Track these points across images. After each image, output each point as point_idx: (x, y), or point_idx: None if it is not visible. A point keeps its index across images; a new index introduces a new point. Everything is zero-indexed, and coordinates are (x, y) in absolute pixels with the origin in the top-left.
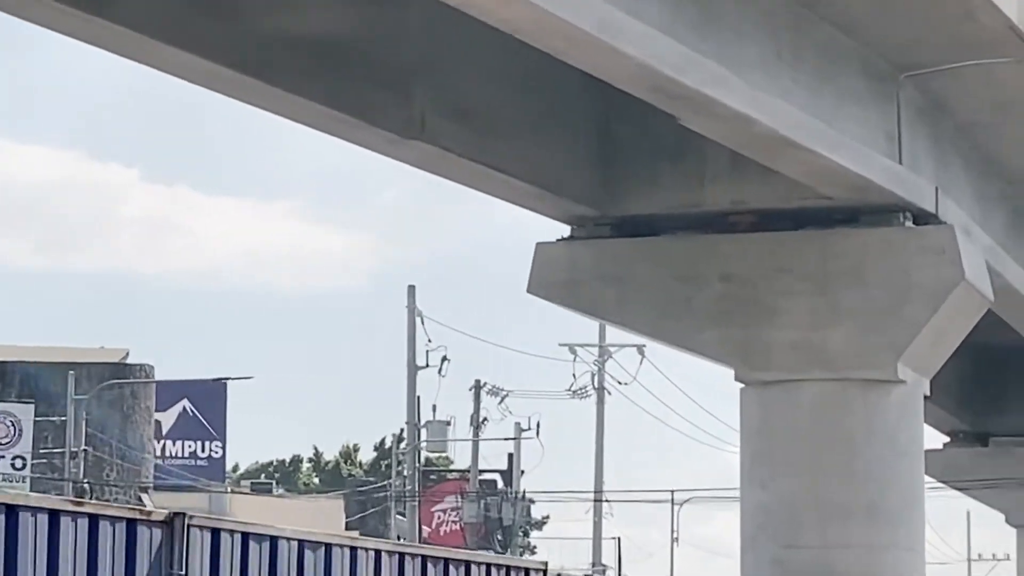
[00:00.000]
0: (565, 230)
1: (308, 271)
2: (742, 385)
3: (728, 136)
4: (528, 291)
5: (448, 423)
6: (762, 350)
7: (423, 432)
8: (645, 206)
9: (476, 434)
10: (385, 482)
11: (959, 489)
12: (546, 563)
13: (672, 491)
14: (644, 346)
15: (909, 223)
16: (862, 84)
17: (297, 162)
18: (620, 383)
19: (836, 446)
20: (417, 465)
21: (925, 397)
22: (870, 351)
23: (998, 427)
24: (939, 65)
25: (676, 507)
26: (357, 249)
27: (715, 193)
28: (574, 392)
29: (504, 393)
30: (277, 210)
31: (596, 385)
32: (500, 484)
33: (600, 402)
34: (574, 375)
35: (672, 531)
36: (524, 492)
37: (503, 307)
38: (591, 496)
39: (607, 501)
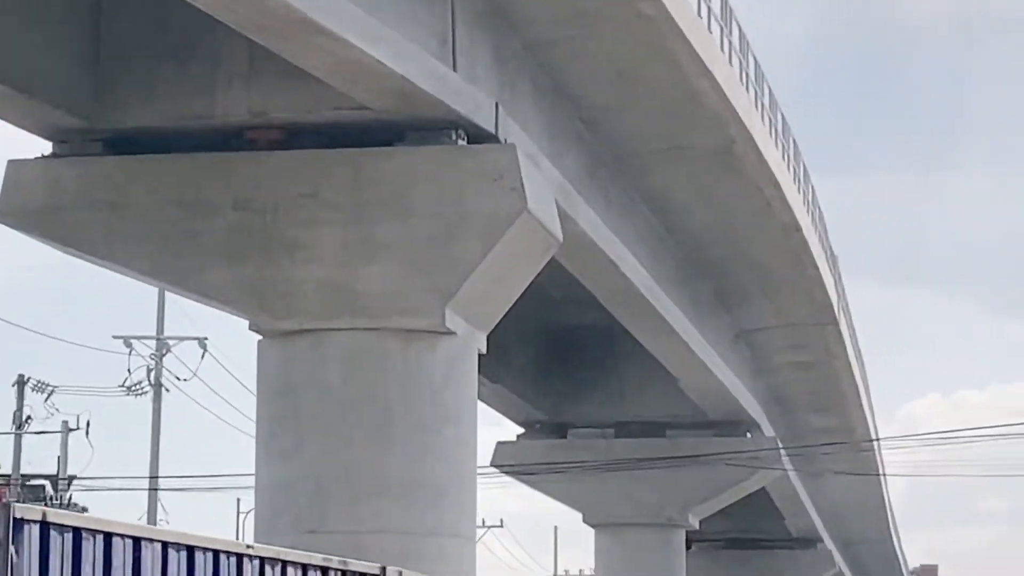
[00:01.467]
0: (46, 146)
1: None
2: (259, 337)
3: (237, 13)
4: None
5: None
6: (283, 293)
7: None
8: (144, 118)
9: (19, 435)
10: None
11: (533, 486)
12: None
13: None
14: (206, 339)
15: (463, 142)
16: None
17: None
18: (179, 379)
19: (371, 409)
20: None
21: (481, 356)
22: (412, 295)
23: (577, 418)
24: None
25: (242, 515)
26: None
27: (230, 103)
28: (129, 388)
29: (50, 389)
30: None
31: (153, 381)
32: (49, 491)
33: (157, 399)
34: (129, 370)
35: (237, 531)
36: (71, 499)
37: (47, 291)
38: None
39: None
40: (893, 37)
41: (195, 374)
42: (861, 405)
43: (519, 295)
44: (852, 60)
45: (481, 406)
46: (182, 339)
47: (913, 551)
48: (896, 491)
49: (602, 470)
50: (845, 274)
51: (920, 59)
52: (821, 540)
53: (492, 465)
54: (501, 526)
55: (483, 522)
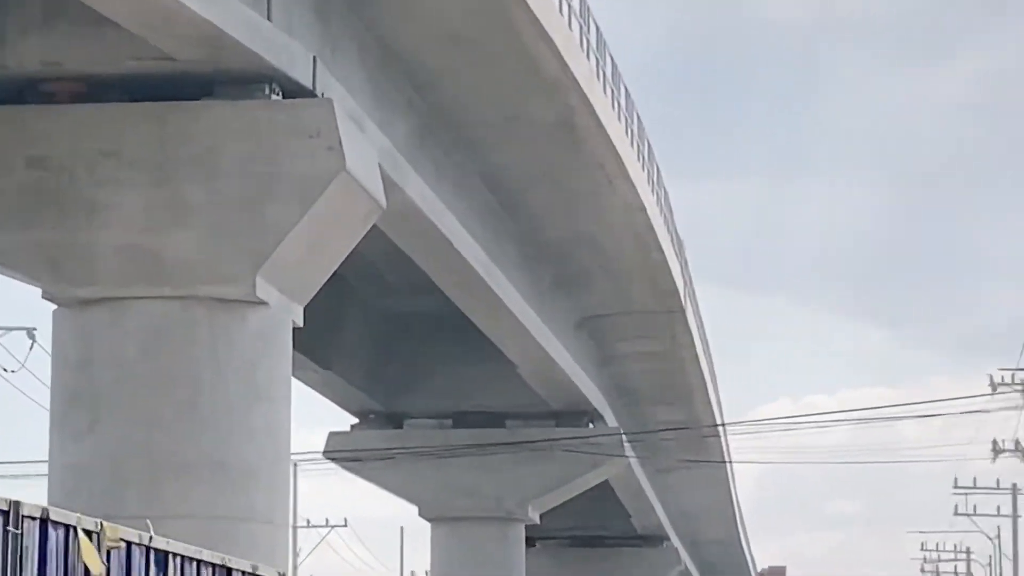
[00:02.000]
0: None
1: None
2: (54, 306)
3: None
4: None
5: None
6: (80, 258)
7: None
8: None
9: None
10: None
11: (369, 478)
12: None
13: None
14: (35, 329)
15: (277, 97)
16: None
17: None
18: (7, 370)
19: (175, 385)
20: None
21: (312, 342)
22: (220, 260)
23: (414, 408)
24: None
25: None
26: None
27: (22, 52)
28: None
29: None
30: None
31: None
32: None
33: None
34: None
35: None
36: None
37: None
38: None
39: None
40: (744, 40)
41: (23, 365)
42: (708, 399)
43: (338, 264)
44: (704, 64)
45: (312, 395)
46: (10, 330)
47: (762, 554)
48: (745, 495)
49: (437, 457)
50: (697, 279)
51: (773, 61)
52: (667, 538)
53: (323, 454)
54: (345, 525)
55: (327, 522)
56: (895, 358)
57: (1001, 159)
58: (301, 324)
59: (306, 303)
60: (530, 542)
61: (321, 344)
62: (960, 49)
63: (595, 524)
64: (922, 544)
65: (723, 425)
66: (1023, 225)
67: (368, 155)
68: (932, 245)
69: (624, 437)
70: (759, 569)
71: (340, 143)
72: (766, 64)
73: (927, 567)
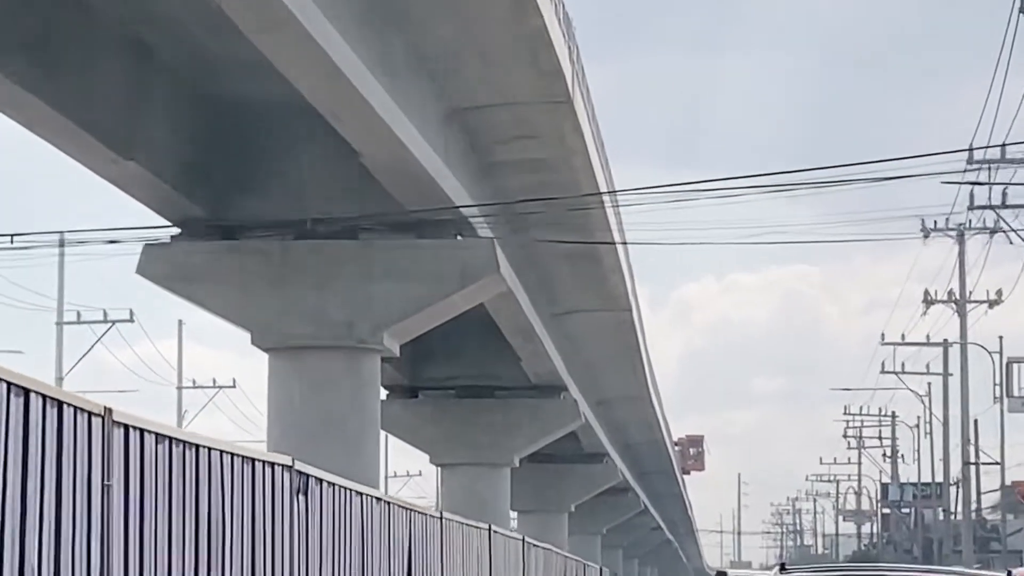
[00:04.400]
0: None
1: None
2: None
3: None
4: None
5: None
6: None
7: None
8: None
9: None
10: None
11: (193, 300)
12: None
13: None
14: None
15: None
16: None
17: None
18: None
19: None
20: None
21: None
22: None
23: (248, 216)
24: None
25: None
26: None
27: None
28: None
29: None
30: None
31: None
32: None
33: None
34: None
35: None
36: None
37: None
38: None
39: None
40: None
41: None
42: (608, 223)
43: None
44: None
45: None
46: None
47: (682, 431)
48: (669, 377)
49: (275, 275)
50: (617, 161)
51: None
52: (566, 389)
53: (138, 273)
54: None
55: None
56: (822, 236)
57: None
58: None
59: None
60: (412, 392)
61: (123, 126)
62: None
63: (484, 373)
64: (845, 407)
65: (609, 194)
66: (950, 111)
67: None
68: (863, 125)
69: (499, 251)
70: (675, 438)
71: None
72: None
73: (850, 432)
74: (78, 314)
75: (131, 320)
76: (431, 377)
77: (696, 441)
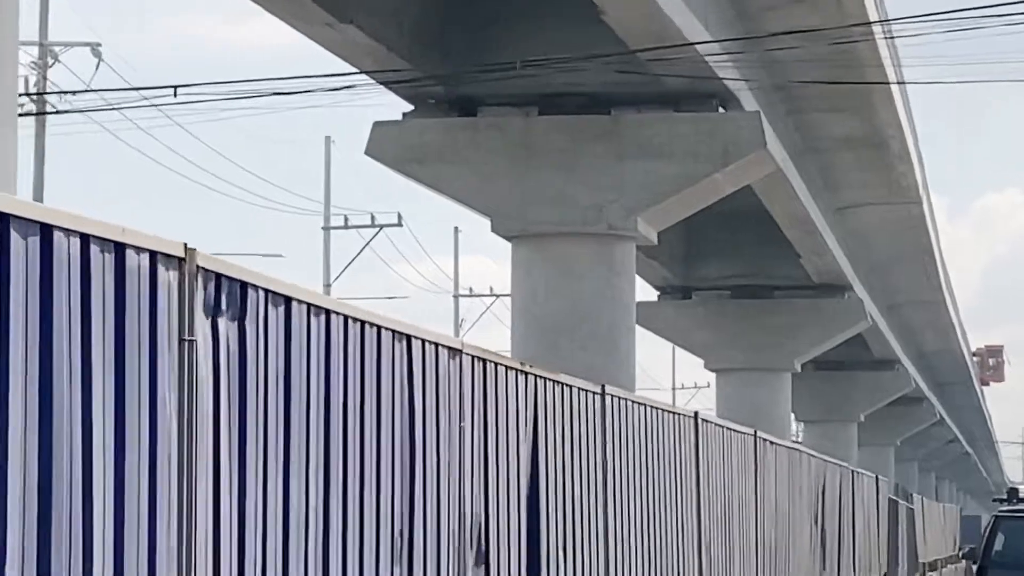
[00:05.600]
0: None
1: None
2: None
3: None
4: None
5: None
6: None
7: None
8: None
9: None
10: None
11: (425, 183)
12: None
13: None
14: (99, 45)
15: None
16: None
17: None
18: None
19: None
20: None
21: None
22: None
23: (487, 90)
24: None
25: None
26: None
27: None
28: None
29: None
30: None
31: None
32: None
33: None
34: None
35: None
36: None
37: None
38: None
39: None
40: None
41: (88, 87)
42: (894, 106)
43: None
44: None
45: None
46: (71, 44)
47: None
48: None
49: (518, 155)
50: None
51: None
52: (851, 288)
53: (367, 155)
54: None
55: (372, 219)
56: None
57: None
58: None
59: None
60: (685, 293)
61: None
62: None
63: (762, 272)
64: None
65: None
66: None
67: None
68: None
69: (767, 125)
70: (972, 348)
71: None
72: None
73: None
74: (345, 219)
75: (399, 224)
76: (705, 277)
77: (995, 351)
